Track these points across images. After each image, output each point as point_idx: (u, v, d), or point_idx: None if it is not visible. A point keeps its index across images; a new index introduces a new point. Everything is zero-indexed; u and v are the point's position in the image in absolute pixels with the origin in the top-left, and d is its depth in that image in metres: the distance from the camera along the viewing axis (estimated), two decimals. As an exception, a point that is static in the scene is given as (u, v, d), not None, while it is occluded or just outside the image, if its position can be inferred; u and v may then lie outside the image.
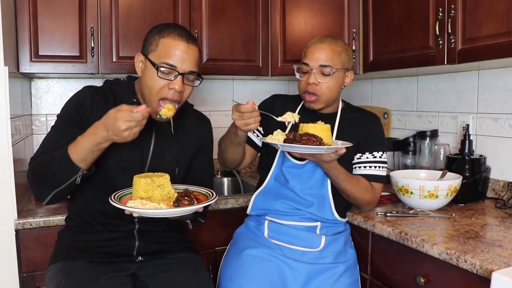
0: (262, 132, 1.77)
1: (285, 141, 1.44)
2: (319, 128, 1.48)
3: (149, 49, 1.42)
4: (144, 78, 1.43)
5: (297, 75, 1.68)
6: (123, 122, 1.20)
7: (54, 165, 1.31)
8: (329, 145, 1.44)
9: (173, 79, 1.38)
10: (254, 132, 1.77)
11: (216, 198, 1.35)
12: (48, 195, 1.35)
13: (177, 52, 1.38)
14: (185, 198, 1.30)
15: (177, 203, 1.29)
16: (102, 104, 1.44)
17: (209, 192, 1.41)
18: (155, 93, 1.40)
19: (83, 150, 1.27)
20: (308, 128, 1.49)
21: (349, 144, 1.50)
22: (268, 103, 1.80)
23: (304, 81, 1.65)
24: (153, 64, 1.38)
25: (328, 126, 1.52)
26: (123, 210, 1.26)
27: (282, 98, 1.83)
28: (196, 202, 1.31)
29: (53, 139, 1.41)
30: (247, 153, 1.76)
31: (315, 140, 1.40)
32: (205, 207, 1.40)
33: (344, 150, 1.44)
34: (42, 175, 1.34)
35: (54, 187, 1.33)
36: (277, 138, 1.50)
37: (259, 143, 1.78)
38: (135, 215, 1.29)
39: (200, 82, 1.46)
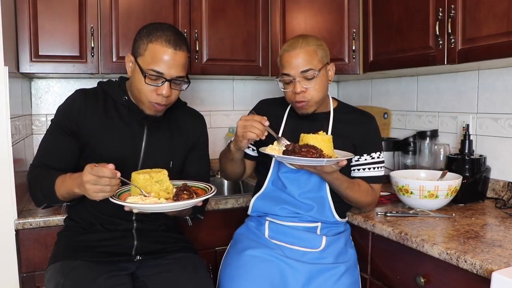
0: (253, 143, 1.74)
1: (284, 152, 1.42)
2: (320, 139, 1.45)
3: (137, 53, 1.45)
4: (133, 80, 1.47)
5: (281, 86, 1.62)
6: (90, 185, 1.21)
7: (43, 187, 1.39)
8: (330, 157, 1.42)
9: (160, 85, 1.42)
10: (248, 147, 1.75)
11: (215, 191, 1.35)
12: (42, 204, 1.45)
13: (164, 59, 1.40)
14: (185, 192, 1.31)
15: (177, 197, 1.30)
16: (90, 105, 1.50)
17: (208, 187, 1.41)
18: (144, 96, 1.45)
19: (64, 189, 1.34)
20: (309, 139, 1.45)
21: (351, 156, 1.50)
22: (256, 110, 1.73)
23: (290, 91, 1.59)
24: (142, 70, 1.42)
25: (329, 137, 1.48)
26: (122, 207, 1.26)
27: (268, 102, 1.81)
28: (195, 196, 1.31)
29: (46, 147, 1.49)
30: (246, 165, 1.78)
31: (315, 152, 1.38)
32: (204, 202, 1.42)
33: (345, 162, 1.43)
34: (35, 190, 1.42)
35: (45, 202, 1.43)
36: (277, 148, 1.49)
37: (255, 154, 1.77)
38: (135, 211, 1.29)
39: (188, 86, 1.49)
